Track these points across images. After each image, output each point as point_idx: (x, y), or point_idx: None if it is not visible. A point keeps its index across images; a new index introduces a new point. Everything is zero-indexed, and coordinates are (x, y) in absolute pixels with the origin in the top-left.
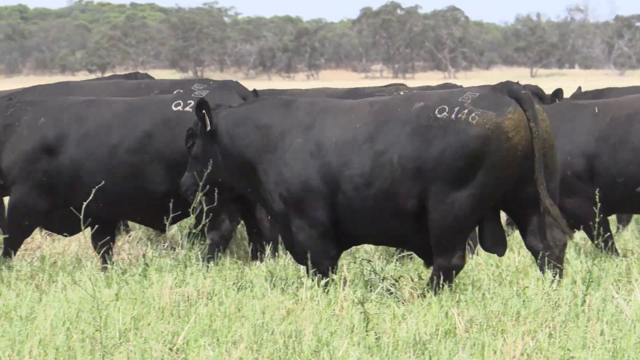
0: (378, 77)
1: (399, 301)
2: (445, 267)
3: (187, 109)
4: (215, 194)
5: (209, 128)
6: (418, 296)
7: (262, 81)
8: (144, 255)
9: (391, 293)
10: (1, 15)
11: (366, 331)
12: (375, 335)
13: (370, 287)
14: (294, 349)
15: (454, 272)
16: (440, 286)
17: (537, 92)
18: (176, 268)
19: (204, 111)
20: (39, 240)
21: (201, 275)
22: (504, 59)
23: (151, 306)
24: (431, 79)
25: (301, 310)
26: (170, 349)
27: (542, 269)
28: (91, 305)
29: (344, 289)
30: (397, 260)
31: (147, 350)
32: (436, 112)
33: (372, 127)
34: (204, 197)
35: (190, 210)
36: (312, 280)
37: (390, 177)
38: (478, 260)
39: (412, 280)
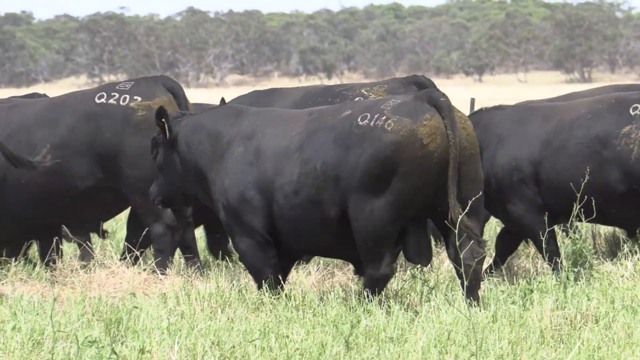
0: None
1: None
2: (373, 276)
3: (111, 101)
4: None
5: (168, 137)
6: None
7: None
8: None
9: None
10: (375, 15)
11: None
12: None
13: None
14: None
15: (382, 281)
16: (370, 296)
17: None
18: (557, 289)
19: (163, 120)
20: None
21: (584, 296)
22: None
23: (530, 330)
24: None
25: None
26: None
27: (462, 283)
28: (466, 328)
29: None
30: None
31: None
32: (359, 119)
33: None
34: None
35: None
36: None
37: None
38: None
39: None
